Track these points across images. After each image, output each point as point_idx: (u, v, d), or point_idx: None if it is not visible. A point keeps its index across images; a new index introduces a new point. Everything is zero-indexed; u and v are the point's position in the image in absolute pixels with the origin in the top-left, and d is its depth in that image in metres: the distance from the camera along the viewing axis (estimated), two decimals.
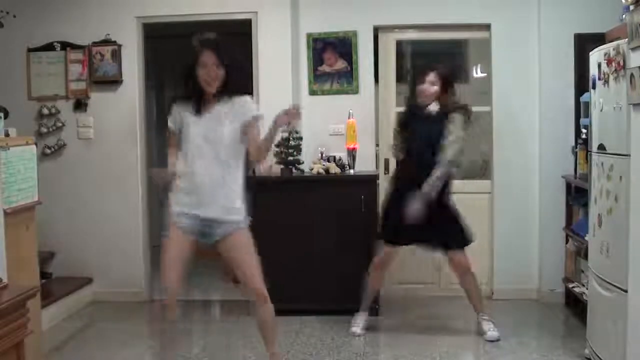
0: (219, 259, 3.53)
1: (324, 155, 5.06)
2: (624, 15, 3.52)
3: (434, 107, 4.31)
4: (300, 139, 5.00)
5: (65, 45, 5.34)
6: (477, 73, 5.68)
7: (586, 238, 4.15)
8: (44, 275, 4.91)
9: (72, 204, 5.36)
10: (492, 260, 5.26)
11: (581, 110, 4.80)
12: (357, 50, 5.25)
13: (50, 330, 4.59)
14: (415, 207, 4.18)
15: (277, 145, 4.95)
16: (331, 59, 5.28)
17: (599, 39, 4.25)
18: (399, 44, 5.48)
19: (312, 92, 5.31)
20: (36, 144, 4.08)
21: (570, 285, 4.80)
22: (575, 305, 4.76)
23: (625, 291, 3.31)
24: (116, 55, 5.31)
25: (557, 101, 5.05)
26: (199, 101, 3.36)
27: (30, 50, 5.36)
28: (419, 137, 4.29)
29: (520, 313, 4.94)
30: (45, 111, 5.35)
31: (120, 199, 5.35)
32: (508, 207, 5.21)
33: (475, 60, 5.66)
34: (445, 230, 4.29)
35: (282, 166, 4.95)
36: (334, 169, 4.93)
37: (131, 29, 5.32)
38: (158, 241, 5.99)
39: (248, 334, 4.57)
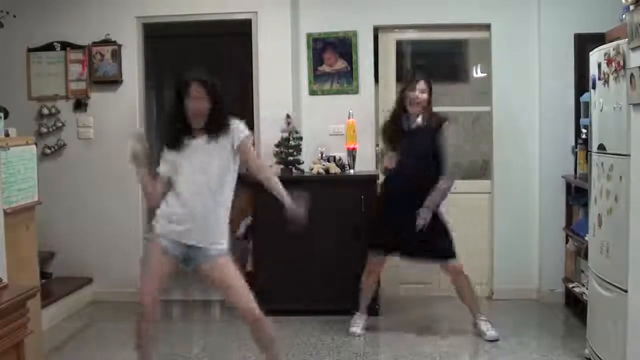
0: None
1: (324, 155, 5.07)
2: (624, 15, 3.52)
3: (420, 120, 4.32)
4: (300, 139, 5.00)
5: (65, 45, 5.35)
6: (477, 73, 5.69)
7: (586, 238, 4.15)
8: (44, 275, 4.91)
9: (72, 204, 5.36)
10: (492, 260, 5.26)
11: (581, 110, 4.80)
12: (357, 50, 5.25)
13: (50, 330, 4.59)
14: (422, 221, 4.21)
15: (277, 145, 4.96)
16: (331, 59, 5.28)
17: (599, 39, 4.25)
18: (399, 44, 5.48)
19: (312, 92, 5.31)
20: (36, 144, 4.08)
21: (570, 285, 4.80)
22: (575, 305, 4.76)
23: (625, 291, 3.32)
24: (116, 55, 5.31)
25: (557, 101, 5.05)
26: (187, 134, 3.30)
27: (30, 50, 5.36)
28: (411, 149, 4.28)
29: (520, 313, 4.94)
30: (45, 111, 5.35)
31: (120, 199, 5.35)
32: (508, 207, 5.21)
33: (475, 60, 5.66)
34: (434, 243, 4.28)
35: (282, 166, 4.95)
36: (334, 169, 4.93)
37: (131, 29, 5.32)
38: None
39: (248, 334, 4.57)
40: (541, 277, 5.17)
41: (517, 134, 5.17)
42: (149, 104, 6.02)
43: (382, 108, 5.36)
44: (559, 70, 5.02)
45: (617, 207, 3.43)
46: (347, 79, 5.28)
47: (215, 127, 3.28)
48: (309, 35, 5.28)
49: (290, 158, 4.93)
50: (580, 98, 4.79)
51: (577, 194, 4.81)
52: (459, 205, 4.98)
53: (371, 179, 4.89)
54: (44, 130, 5.34)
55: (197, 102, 3.23)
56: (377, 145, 5.33)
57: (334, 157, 5.04)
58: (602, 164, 3.65)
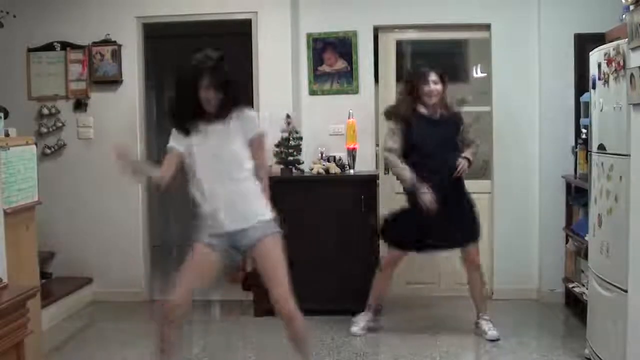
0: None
1: (324, 155, 5.06)
2: (624, 15, 3.52)
3: (441, 110, 4.34)
4: (300, 139, 5.00)
5: (65, 45, 5.35)
6: (477, 73, 5.68)
7: (586, 238, 4.14)
8: (44, 275, 4.91)
9: (72, 204, 5.36)
10: (492, 260, 5.26)
11: (581, 110, 4.80)
12: (357, 50, 5.25)
13: (50, 330, 4.59)
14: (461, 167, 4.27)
15: (277, 145, 4.96)
16: (331, 59, 5.28)
17: (599, 39, 4.25)
18: (399, 44, 5.48)
19: (312, 92, 5.31)
20: (36, 144, 4.08)
21: (570, 285, 4.80)
22: (575, 305, 4.76)
23: (625, 291, 3.31)
24: (116, 55, 5.31)
25: (557, 101, 5.05)
26: (200, 120, 3.29)
27: (30, 50, 5.36)
28: (439, 139, 4.26)
29: (520, 313, 4.94)
30: (45, 111, 5.35)
31: (120, 199, 5.35)
32: (508, 207, 5.21)
33: (475, 60, 5.66)
34: (463, 225, 4.30)
35: (282, 166, 4.95)
36: (334, 169, 4.93)
37: (131, 29, 5.32)
38: (158, 241, 6.04)
39: (248, 334, 4.58)
40: (541, 277, 5.17)
41: (517, 134, 5.17)
42: (149, 104, 6.02)
43: (382, 108, 5.36)
44: (559, 70, 5.02)
45: (617, 207, 3.43)
46: (347, 79, 5.28)
47: (227, 112, 3.26)
48: (309, 35, 5.28)
49: (290, 158, 4.93)
50: (580, 98, 4.79)
51: (577, 194, 4.80)
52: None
53: (371, 179, 4.90)
54: (44, 130, 5.34)
55: (208, 92, 3.21)
56: (377, 145, 5.34)
57: (334, 157, 5.03)
58: (602, 164, 3.65)
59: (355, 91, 5.27)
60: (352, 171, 4.96)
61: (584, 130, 4.59)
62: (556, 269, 5.08)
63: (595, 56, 3.78)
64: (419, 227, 4.23)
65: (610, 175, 3.53)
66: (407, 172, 4.25)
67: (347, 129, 5.02)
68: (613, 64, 3.49)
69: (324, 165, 4.96)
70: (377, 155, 5.32)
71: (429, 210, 4.17)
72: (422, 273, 5.30)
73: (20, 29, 5.22)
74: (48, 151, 5.35)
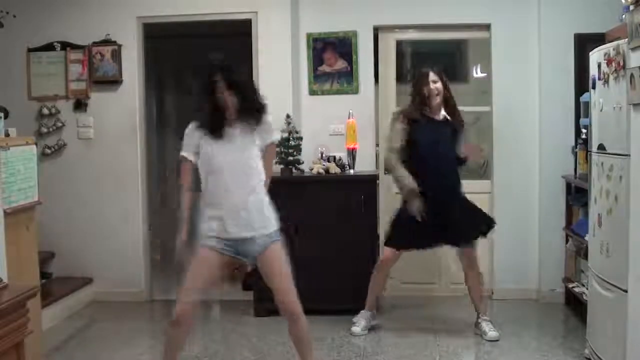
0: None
1: (324, 155, 5.07)
2: (624, 15, 3.51)
3: (445, 112, 4.37)
4: (300, 139, 5.00)
5: (65, 45, 5.35)
6: (477, 73, 5.68)
7: (586, 238, 4.15)
8: (44, 275, 4.90)
9: (72, 204, 5.36)
10: (492, 260, 5.26)
11: (581, 110, 4.80)
12: (357, 50, 5.25)
13: (50, 330, 4.58)
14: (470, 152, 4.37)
15: (277, 145, 4.95)
16: (331, 59, 5.28)
17: (599, 39, 4.25)
18: (399, 44, 5.48)
19: (312, 92, 5.31)
20: (36, 144, 4.07)
21: (570, 285, 4.80)
22: (575, 305, 4.76)
23: (625, 291, 3.31)
24: (116, 55, 5.31)
25: (557, 101, 5.05)
26: (221, 124, 3.31)
27: (30, 50, 5.36)
28: (440, 140, 4.29)
29: (520, 313, 4.94)
30: (45, 111, 5.35)
31: (120, 199, 5.35)
32: (508, 207, 5.21)
33: (475, 60, 5.66)
34: (459, 226, 4.30)
35: (282, 166, 4.95)
36: (334, 169, 4.93)
37: (131, 29, 5.32)
38: (158, 241, 6.03)
39: (248, 334, 4.57)
40: (541, 277, 5.17)
41: (517, 133, 5.17)
42: (149, 104, 6.01)
43: (382, 108, 5.37)
44: (559, 70, 5.02)
45: (617, 207, 3.43)
46: (347, 79, 5.28)
47: (247, 114, 3.29)
48: (309, 35, 5.28)
49: (290, 158, 4.93)
50: (580, 98, 4.79)
51: (577, 194, 4.80)
52: None
53: (371, 179, 4.90)
54: (44, 130, 5.34)
55: (224, 96, 3.25)
56: (377, 145, 5.34)
57: (334, 157, 5.04)
58: (602, 164, 3.65)
59: (355, 91, 5.28)
60: (352, 171, 4.96)
61: (584, 130, 4.59)
62: (556, 269, 5.08)
63: (595, 56, 3.78)
64: (417, 226, 4.26)
65: (610, 175, 3.53)
66: (404, 180, 4.27)
67: (347, 129, 5.02)
68: (613, 64, 3.49)
69: (324, 165, 4.96)
70: (377, 155, 5.32)
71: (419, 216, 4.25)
72: (422, 273, 5.30)
73: (20, 29, 5.23)
74: (48, 151, 5.34)
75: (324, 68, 5.30)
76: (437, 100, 4.34)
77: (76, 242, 5.39)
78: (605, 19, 4.44)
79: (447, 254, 4.96)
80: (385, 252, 4.47)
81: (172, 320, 3.34)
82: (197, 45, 6.23)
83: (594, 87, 3.82)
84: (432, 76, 4.33)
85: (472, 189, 5.25)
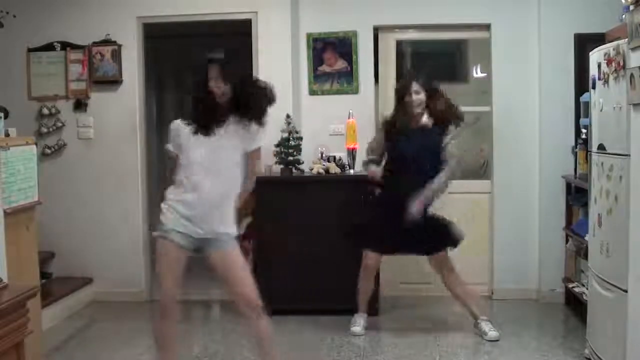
0: None
1: (324, 155, 5.07)
2: (624, 15, 3.51)
3: (426, 121, 4.33)
4: (300, 139, 5.00)
5: (65, 45, 5.34)
6: (477, 73, 5.69)
7: (586, 238, 4.15)
8: (44, 275, 4.90)
9: (72, 204, 5.36)
10: (492, 260, 5.26)
11: (581, 110, 4.80)
12: (357, 50, 5.25)
13: (50, 330, 4.58)
14: (415, 209, 4.21)
15: (277, 145, 4.96)
16: (331, 59, 5.28)
17: (599, 39, 4.25)
18: (399, 44, 5.48)
19: (312, 92, 5.31)
20: (36, 144, 4.07)
21: (570, 285, 4.80)
22: (575, 305, 4.76)
23: (625, 291, 3.31)
24: (116, 55, 5.31)
25: (557, 101, 5.05)
26: (210, 120, 3.32)
27: (30, 50, 5.36)
28: (413, 148, 4.28)
29: (520, 313, 4.94)
30: (45, 111, 5.35)
31: (120, 199, 5.35)
32: (508, 207, 5.21)
33: (475, 60, 5.66)
34: (422, 237, 4.30)
35: (282, 166, 4.94)
36: (334, 169, 4.93)
37: (131, 29, 5.32)
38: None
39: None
40: (541, 277, 5.17)
41: (517, 134, 5.17)
42: (149, 104, 6.01)
43: (382, 108, 5.37)
44: (559, 70, 5.02)
45: (617, 207, 3.43)
46: (347, 79, 5.28)
47: (243, 109, 3.29)
48: (309, 35, 5.28)
49: (290, 158, 4.93)
50: (580, 98, 4.79)
51: (577, 194, 4.80)
52: (459, 205, 4.98)
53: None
54: (44, 130, 5.34)
55: (217, 83, 3.26)
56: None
57: (334, 157, 5.04)
58: (602, 164, 3.65)
59: (355, 91, 5.28)
60: (352, 171, 4.96)
61: (584, 130, 4.59)
62: (556, 269, 5.08)
63: (595, 56, 3.78)
64: (383, 229, 4.32)
65: (610, 175, 3.52)
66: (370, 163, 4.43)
67: (347, 129, 5.02)
68: (613, 64, 3.49)
69: (324, 165, 4.96)
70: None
71: (373, 179, 4.41)
72: (421, 273, 5.29)
73: (20, 29, 5.23)
74: (48, 151, 5.34)
75: (324, 68, 5.30)
76: (418, 110, 4.32)
77: (76, 242, 5.38)
78: (605, 19, 4.44)
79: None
80: (366, 257, 4.48)
81: (157, 314, 3.39)
82: (197, 45, 6.23)
83: (594, 87, 3.82)
84: (414, 86, 4.32)
85: (472, 189, 5.29)
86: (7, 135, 3.77)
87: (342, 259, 4.69)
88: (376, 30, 5.33)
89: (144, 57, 5.42)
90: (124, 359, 4.18)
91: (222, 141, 3.31)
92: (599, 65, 3.70)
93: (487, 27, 5.20)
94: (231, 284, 3.38)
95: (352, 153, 4.97)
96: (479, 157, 5.59)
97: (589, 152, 3.97)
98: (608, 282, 3.54)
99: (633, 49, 3.24)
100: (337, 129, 5.19)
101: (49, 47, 5.34)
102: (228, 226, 3.35)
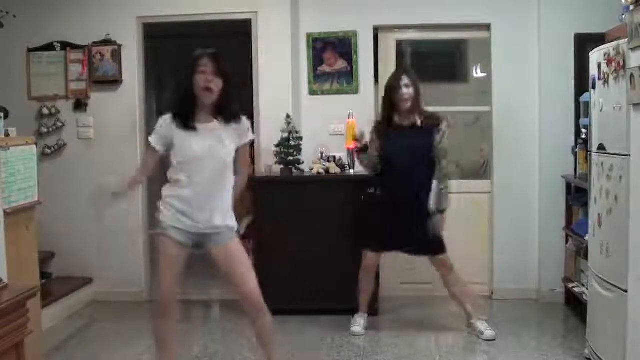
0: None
1: (324, 155, 5.07)
2: (624, 15, 3.51)
3: (416, 118, 4.32)
4: (300, 139, 5.00)
5: (65, 45, 5.34)
6: (477, 73, 5.69)
7: (586, 238, 4.15)
8: (44, 275, 4.90)
9: (72, 204, 5.36)
10: (492, 260, 5.26)
11: (581, 110, 4.80)
12: (357, 50, 5.25)
13: (50, 330, 4.58)
14: (438, 224, 4.26)
15: (277, 145, 4.96)
16: (331, 59, 5.28)
17: (599, 39, 4.25)
18: (399, 44, 5.48)
19: (312, 92, 5.31)
20: (36, 144, 4.07)
21: (570, 285, 4.80)
22: (575, 305, 4.76)
23: (625, 291, 3.32)
24: (116, 55, 5.31)
25: (557, 101, 5.05)
26: (194, 115, 3.32)
27: (30, 50, 5.36)
28: (406, 147, 4.28)
29: (520, 313, 4.94)
30: (45, 111, 5.35)
31: (120, 199, 5.34)
32: (508, 207, 5.21)
33: (475, 60, 5.66)
34: (422, 238, 4.31)
35: (282, 166, 4.94)
36: (334, 169, 4.93)
37: (131, 29, 5.32)
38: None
39: (248, 335, 4.57)
40: (541, 277, 5.17)
41: (517, 134, 5.17)
42: (149, 104, 6.01)
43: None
44: (559, 70, 5.02)
45: (617, 207, 3.43)
46: (347, 79, 5.28)
47: (227, 110, 3.30)
48: (309, 35, 5.28)
49: (290, 158, 4.93)
50: (580, 98, 4.79)
51: (577, 194, 4.80)
52: (459, 205, 4.97)
53: (371, 179, 4.89)
54: (44, 130, 5.34)
55: (206, 76, 3.24)
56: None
57: (334, 157, 5.04)
58: (602, 164, 3.65)
59: (355, 91, 5.28)
60: (352, 171, 4.96)
61: (584, 130, 4.59)
62: (556, 269, 5.08)
63: (595, 56, 3.78)
64: (383, 229, 4.32)
65: (610, 175, 3.53)
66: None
67: (347, 129, 5.02)
68: (613, 64, 3.49)
69: (324, 165, 4.96)
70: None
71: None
72: (421, 273, 5.28)
73: (20, 29, 5.23)
74: (48, 151, 5.34)
75: (324, 68, 5.30)
76: (407, 105, 4.30)
77: (76, 242, 5.38)
78: (605, 19, 4.44)
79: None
80: (365, 257, 4.48)
81: (157, 313, 3.38)
82: (197, 45, 6.21)
83: (594, 87, 3.82)
84: (404, 80, 4.29)
85: (472, 189, 5.28)
86: (7, 135, 3.77)
87: (342, 259, 4.70)
88: (376, 30, 5.33)
89: (144, 57, 5.43)
90: (124, 359, 4.18)
91: (214, 135, 3.30)
92: (599, 65, 3.70)
93: (487, 27, 5.20)
94: (233, 281, 3.37)
95: (352, 153, 4.97)
96: (479, 157, 5.59)
97: (589, 152, 3.97)
98: (608, 282, 3.54)
99: (633, 49, 3.24)
100: (337, 129, 5.19)
101: (49, 47, 5.34)
102: (226, 219, 3.34)
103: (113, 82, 5.34)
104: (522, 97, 5.15)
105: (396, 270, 5.12)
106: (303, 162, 4.99)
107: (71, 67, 5.35)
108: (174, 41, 6.46)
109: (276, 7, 5.18)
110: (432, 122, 4.33)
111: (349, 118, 5.00)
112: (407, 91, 4.28)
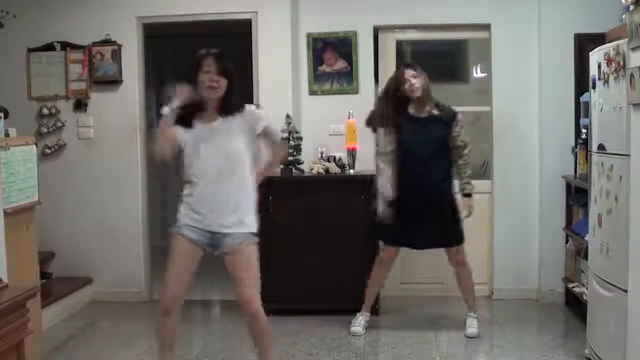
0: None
1: (324, 155, 5.07)
2: (624, 15, 3.52)
3: (430, 108, 4.32)
4: (300, 139, 5.00)
5: (65, 45, 5.34)
6: (477, 73, 5.69)
7: (586, 238, 4.15)
8: (44, 275, 4.90)
9: (72, 204, 5.36)
10: (492, 260, 5.26)
11: (581, 110, 4.80)
12: (357, 50, 5.25)
13: (50, 330, 4.58)
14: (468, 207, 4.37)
15: None
16: (331, 59, 5.28)
17: (599, 39, 4.26)
18: (399, 44, 5.48)
19: (312, 92, 5.31)
20: (36, 144, 4.07)
21: (570, 285, 4.80)
22: (575, 305, 4.76)
23: (625, 291, 3.31)
24: (116, 55, 5.31)
25: (557, 101, 5.05)
26: (199, 115, 3.31)
27: (30, 50, 5.36)
28: (422, 138, 4.26)
29: (520, 313, 4.94)
30: (45, 111, 5.35)
31: (120, 199, 5.35)
32: (508, 207, 5.21)
33: (475, 60, 5.66)
34: (447, 229, 4.32)
35: (282, 166, 4.94)
36: (334, 169, 4.93)
37: (131, 29, 5.32)
38: (158, 241, 6.03)
39: (248, 335, 4.57)
40: (541, 277, 5.17)
41: (517, 134, 5.17)
42: (149, 104, 6.01)
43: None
44: (559, 70, 5.02)
45: (617, 207, 3.43)
46: (347, 79, 5.28)
47: (230, 107, 3.29)
48: (309, 35, 5.28)
49: (290, 158, 4.93)
50: (580, 98, 4.79)
51: (577, 194, 4.80)
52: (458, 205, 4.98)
53: (371, 179, 4.88)
54: (44, 130, 5.34)
55: (211, 75, 3.24)
56: (377, 145, 5.32)
57: (334, 157, 5.04)
58: (602, 164, 3.65)
59: (355, 91, 5.28)
60: (352, 171, 4.95)
61: (584, 130, 4.59)
62: (556, 269, 5.08)
63: (595, 56, 3.78)
64: (401, 223, 4.28)
65: (610, 175, 3.53)
66: (384, 187, 4.30)
67: (347, 129, 5.02)
68: (613, 64, 3.49)
69: (324, 165, 4.96)
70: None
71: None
72: (421, 273, 5.30)
73: (20, 29, 5.23)
74: (48, 151, 5.34)
75: (324, 68, 5.30)
76: (417, 94, 4.28)
77: (76, 242, 5.38)
78: (605, 19, 4.44)
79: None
80: (385, 250, 4.47)
81: (161, 310, 3.36)
82: (197, 45, 6.21)
83: (594, 87, 3.82)
84: (409, 72, 4.28)
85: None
86: (7, 135, 3.77)
87: (343, 259, 4.70)
88: (376, 30, 5.33)
89: (144, 57, 5.42)
90: (124, 359, 4.18)
91: (219, 133, 3.28)
92: (599, 65, 3.70)
93: (487, 27, 5.20)
94: (237, 281, 3.35)
95: (352, 153, 4.97)
96: (479, 157, 5.59)
97: (589, 152, 3.97)
98: (608, 282, 3.54)
99: (633, 49, 3.24)
100: (337, 129, 5.19)
101: (49, 47, 5.34)
102: (241, 221, 3.30)
103: (113, 82, 5.34)
104: (522, 97, 5.15)
105: (396, 270, 5.11)
106: (303, 162, 4.99)
107: (71, 67, 5.35)
108: (174, 41, 6.48)
109: (276, 7, 5.18)
110: (446, 113, 4.34)
111: (349, 118, 5.00)
112: (415, 81, 4.27)
